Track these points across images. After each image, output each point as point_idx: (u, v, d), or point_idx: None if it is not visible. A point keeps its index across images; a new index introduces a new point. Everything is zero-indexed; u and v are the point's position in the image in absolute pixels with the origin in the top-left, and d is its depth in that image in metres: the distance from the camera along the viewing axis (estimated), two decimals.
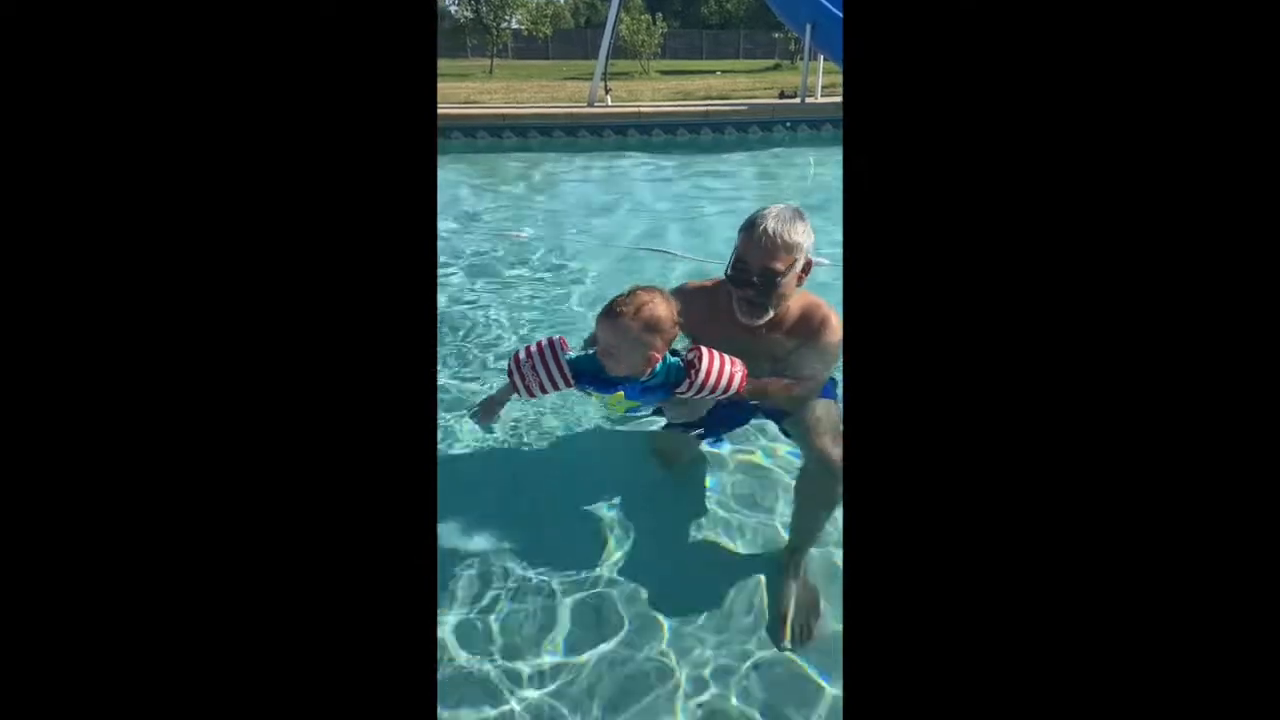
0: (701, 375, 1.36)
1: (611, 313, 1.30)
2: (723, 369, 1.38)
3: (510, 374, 1.40)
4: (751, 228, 1.45)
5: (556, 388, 1.38)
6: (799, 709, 1.22)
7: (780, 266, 1.43)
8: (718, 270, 1.65)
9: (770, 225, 1.42)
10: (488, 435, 1.99)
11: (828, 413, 1.52)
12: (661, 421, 1.71)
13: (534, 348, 1.39)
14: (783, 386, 1.50)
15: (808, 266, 1.50)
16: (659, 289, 1.37)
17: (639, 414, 1.54)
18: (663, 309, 1.32)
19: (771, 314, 1.50)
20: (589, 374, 1.40)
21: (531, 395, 1.40)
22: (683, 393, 1.39)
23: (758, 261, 1.43)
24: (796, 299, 1.54)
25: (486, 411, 1.51)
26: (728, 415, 1.65)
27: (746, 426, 1.85)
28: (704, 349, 1.40)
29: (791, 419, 1.56)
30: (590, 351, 1.43)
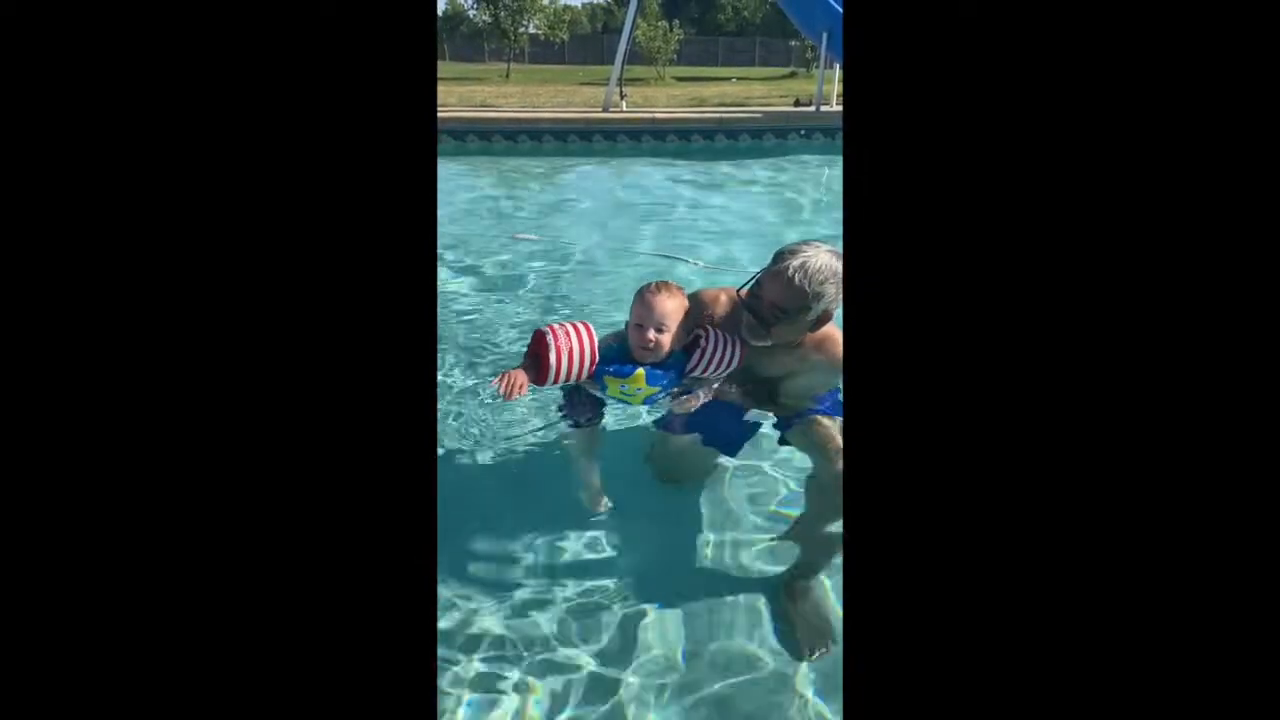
0: (711, 346, 1.47)
1: (659, 291, 1.44)
2: (726, 341, 1.50)
3: (537, 342, 1.42)
4: (780, 259, 1.38)
5: (583, 360, 1.42)
6: (801, 713, 1.21)
7: (790, 308, 1.38)
8: (729, 277, 1.65)
9: (796, 265, 1.34)
10: (490, 436, 2.00)
11: (832, 426, 1.51)
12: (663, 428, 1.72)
13: (567, 324, 1.45)
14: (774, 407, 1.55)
15: (824, 318, 1.43)
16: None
17: (656, 400, 1.55)
18: (683, 298, 1.49)
19: (769, 343, 1.48)
20: (613, 359, 1.47)
21: (558, 369, 1.40)
22: (693, 365, 1.48)
23: (771, 295, 1.39)
24: (819, 331, 1.50)
25: (509, 382, 1.41)
26: (730, 426, 1.65)
27: (751, 438, 1.85)
28: (708, 327, 1.48)
29: (800, 434, 1.56)
30: (610, 347, 1.49)
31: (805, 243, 1.41)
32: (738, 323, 1.52)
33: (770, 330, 1.43)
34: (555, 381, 1.43)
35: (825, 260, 1.36)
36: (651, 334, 1.43)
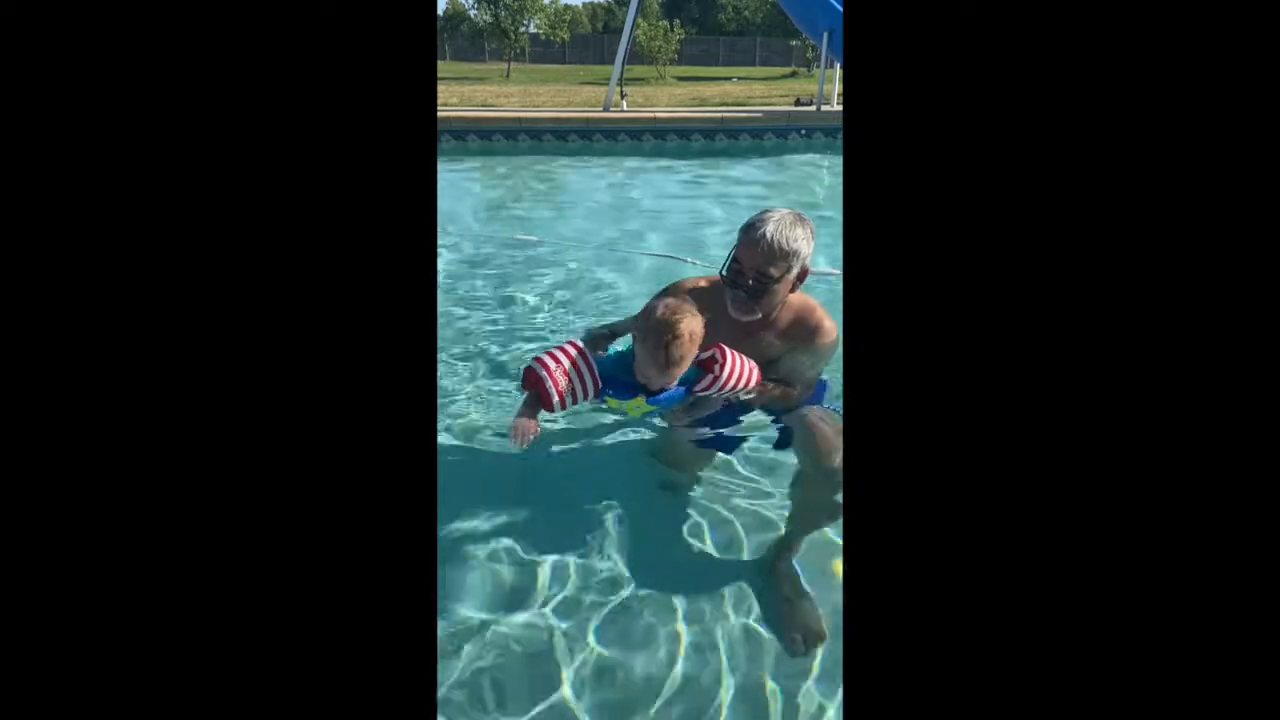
0: (725, 371, 1.38)
1: (674, 361, 1.30)
2: (742, 367, 1.41)
3: (534, 384, 1.36)
4: (751, 230, 1.45)
5: (586, 395, 1.37)
6: (800, 714, 1.22)
7: (774, 272, 1.43)
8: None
9: (769, 230, 1.42)
10: (493, 440, 2.00)
11: (825, 420, 1.52)
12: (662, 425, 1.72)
13: (559, 354, 1.36)
14: (778, 391, 1.52)
15: (803, 274, 1.50)
16: (677, 300, 1.38)
17: (654, 416, 1.55)
18: (699, 322, 1.35)
19: (759, 315, 1.51)
20: (614, 378, 1.40)
21: (564, 406, 1.37)
22: (703, 390, 1.41)
23: (753, 264, 1.44)
24: (792, 301, 1.54)
25: (522, 433, 1.42)
26: (724, 416, 1.65)
27: (746, 437, 1.86)
28: (723, 347, 1.41)
29: (792, 428, 1.56)
30: (602, 356, 1.43)
31: (764, 210, 1.48)
32: (722, 303, 1.53)
33: (759, 301, 1.47)
34: (563, 409, 1.40)
35: (791, 218, 1.45)
36: (661, 386, 1.37)
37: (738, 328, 1.54)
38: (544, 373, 1.34)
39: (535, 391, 1.38)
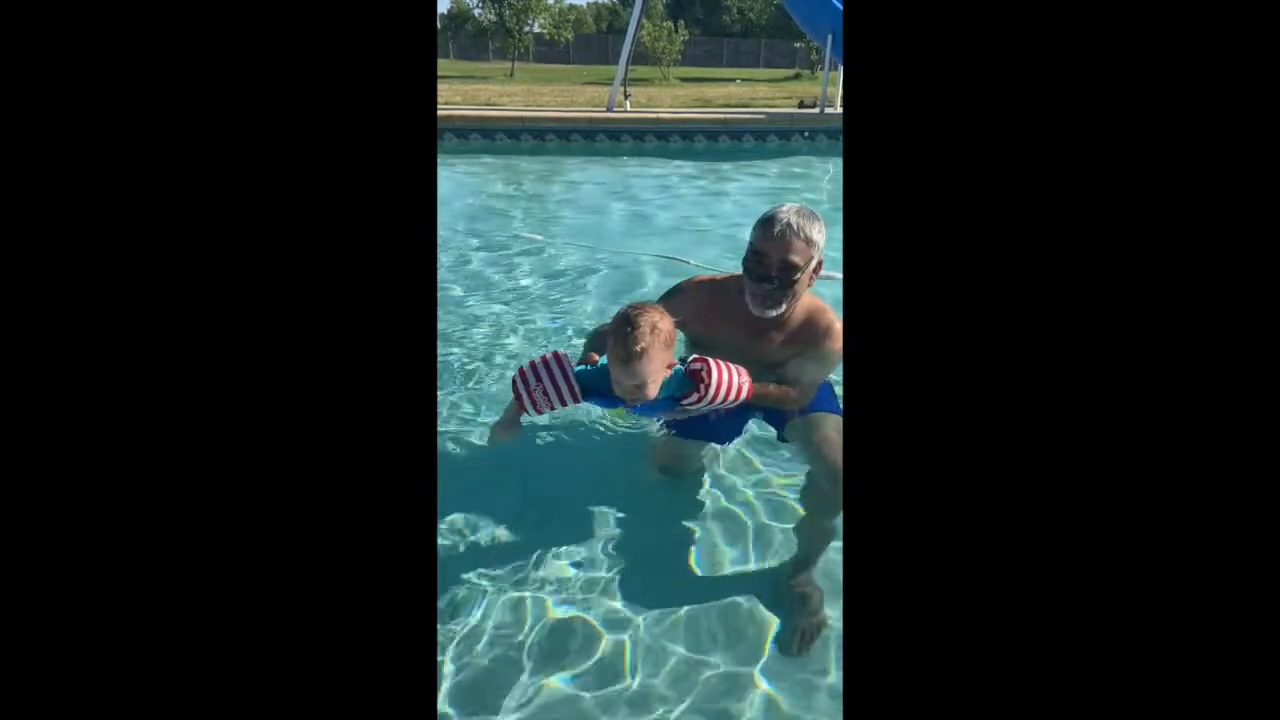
0: (712, 388, 1.35)
1: (633, 355, 1.25)
2: (731, 380, 1.37)
3: (516, 392, 1.38)
4: (770, 223, 1.45)
5: (565, 404, 1.37)
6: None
7: (799, 260, 1.43)
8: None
9: (791, 220, 1.43)
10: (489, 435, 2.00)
11: (835, 426, 1.51)
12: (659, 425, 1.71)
13: (539, 364, 1.37)
14: (780, 392, 1.51)
15: (818, 266, 1.50)
16: (646, 303, 1.36)
17: (644, 414, 1.55)
18: (667, 321, 1.32)
19: (784, 308, 1.49)
20: (595, 391, 1.39)
21: (539, 412, 1.39)
22: (690, 404, 1.38)
23: (778, 255, 1.43)
24: (802, 302, 1.54)
25: (503, 431, 1.48)
26: (725, 418, 1.64)
27: (747, 435, 1.85)
28: (710, 360, 1.38)
29: (798, 431, 1.56)
30: (589, 368, 1.42)
31: (774, 207, 1.50)
32: (736, 302, 1.52)
33: (786, 292, 1.47)
34: (540, 414, 1.43)
35: (805, 209, 1.48)
36: (633, 393, 1.34)
37: (745, 328, 1.53)
38: (521, 385, 1.37)
39: (515, 399, 1.42)
